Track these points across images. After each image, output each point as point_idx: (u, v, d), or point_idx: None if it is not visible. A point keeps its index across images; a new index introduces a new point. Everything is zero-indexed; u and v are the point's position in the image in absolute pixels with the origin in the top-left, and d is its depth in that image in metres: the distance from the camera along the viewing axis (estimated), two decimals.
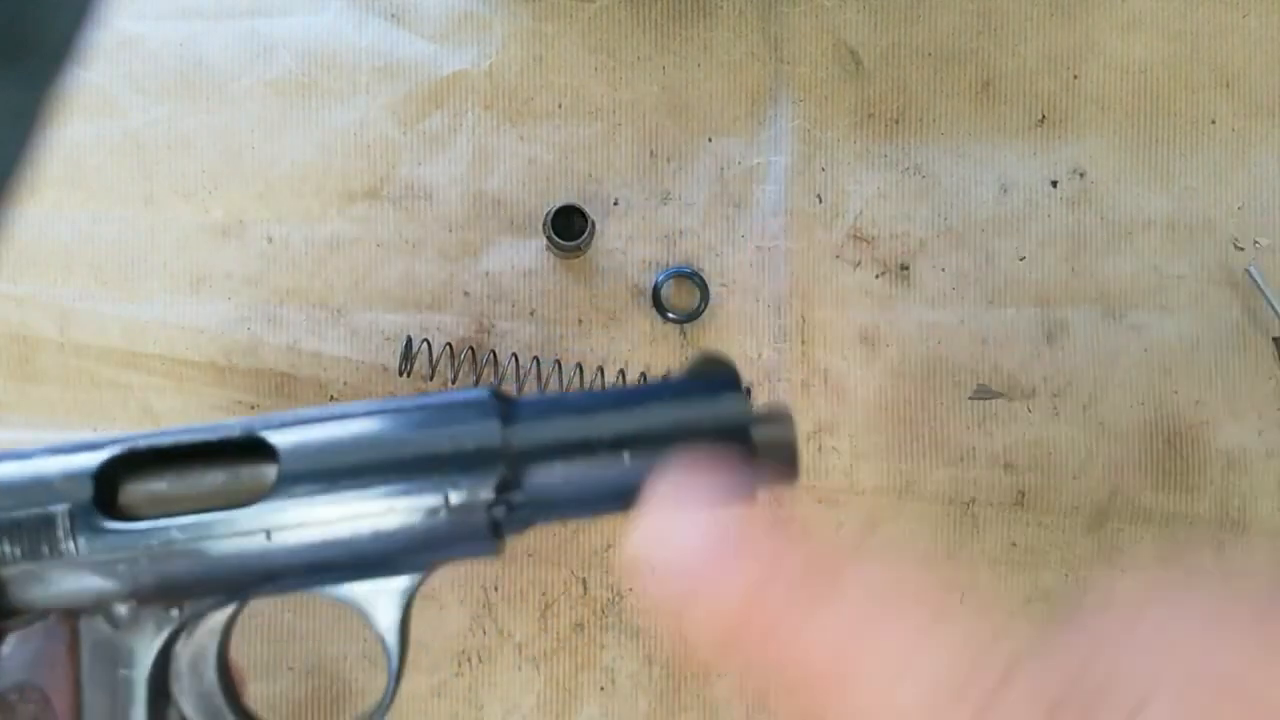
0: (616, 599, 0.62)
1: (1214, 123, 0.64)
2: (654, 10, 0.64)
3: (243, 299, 0.62)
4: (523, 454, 0.39)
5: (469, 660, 0.61)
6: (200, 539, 0.38)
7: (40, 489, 0.38)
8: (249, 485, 0.39)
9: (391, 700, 0.41)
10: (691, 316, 0.63)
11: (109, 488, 0.39)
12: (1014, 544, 0.62)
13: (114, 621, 0.38)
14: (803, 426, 0.62)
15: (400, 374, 0.61)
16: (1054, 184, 0.64)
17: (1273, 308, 0.62)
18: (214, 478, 0.40)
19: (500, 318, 0.63)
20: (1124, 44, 0.64)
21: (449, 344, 0.62)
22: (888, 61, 0.64)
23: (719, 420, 0.40)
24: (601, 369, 0.62)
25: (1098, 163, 0.64)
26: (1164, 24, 0.64)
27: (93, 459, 0.39)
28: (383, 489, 0.38)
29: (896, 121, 0.64)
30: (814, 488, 0.62)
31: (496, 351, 0.62)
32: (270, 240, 0.63)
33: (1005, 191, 0.64)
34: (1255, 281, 0.62)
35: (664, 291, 0.63)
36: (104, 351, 0.62)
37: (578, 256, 0.63)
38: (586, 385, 0.61)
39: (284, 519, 0.38)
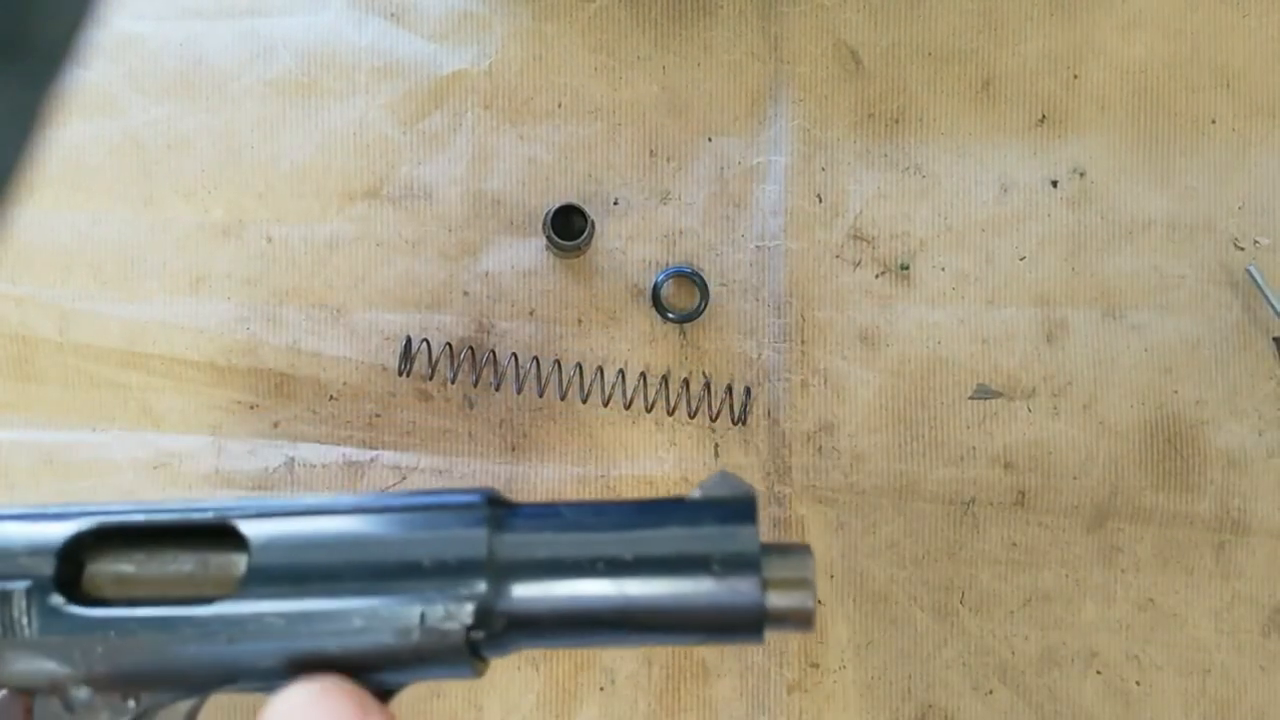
0: None
1: (1214, 122, 0.64)
2: (654, 10, 0.64)
3: (242, 299, 0.62)
4: (509, 569, 0.36)
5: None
6: (160, 634, 0.36)
7: (3, 561, 0.37)
8: (217, 575, 0.38)
9: None
10: (691, 316, 0.62)
11: (74, 564, 0.37)
12: (1014, 544, 0.62)
13: (69, 705, 0.37)
14: (803, 426, 0.63)
15: (400, 374, 0.61)
16: (1054, 184, 0.64)
17: (1273, 307, 0.62)
18: (183, 564, 0.38)
19: (500, 317, 0.63)
20: (1124, 44, 0.64)
21: (449, 344, 0.62)
22: (888, 61, 0.64)
23: (727, 554, 0.36)
24: (601, 369, 0.62)
25: (1098, 162, 0.64)
26: (1164, 24, 0.64)
27: (59, 532, 0.37)
28: (354, 600, 0.36)
29: (896, 121, 0.64)
30: (814, 488, 0.62)
31: (496, 351, 0.62)
32: (270, 240, 0.63)
33: (1005, 191, 0.64)
34: (1255, 281, 0.62)
35: (664, 291, 0.63)
36: (103, 351, 0.62)
37: (577, 256, 0.63)
38: (586, 387, 0.61)
39: (247, 625, 0.36)
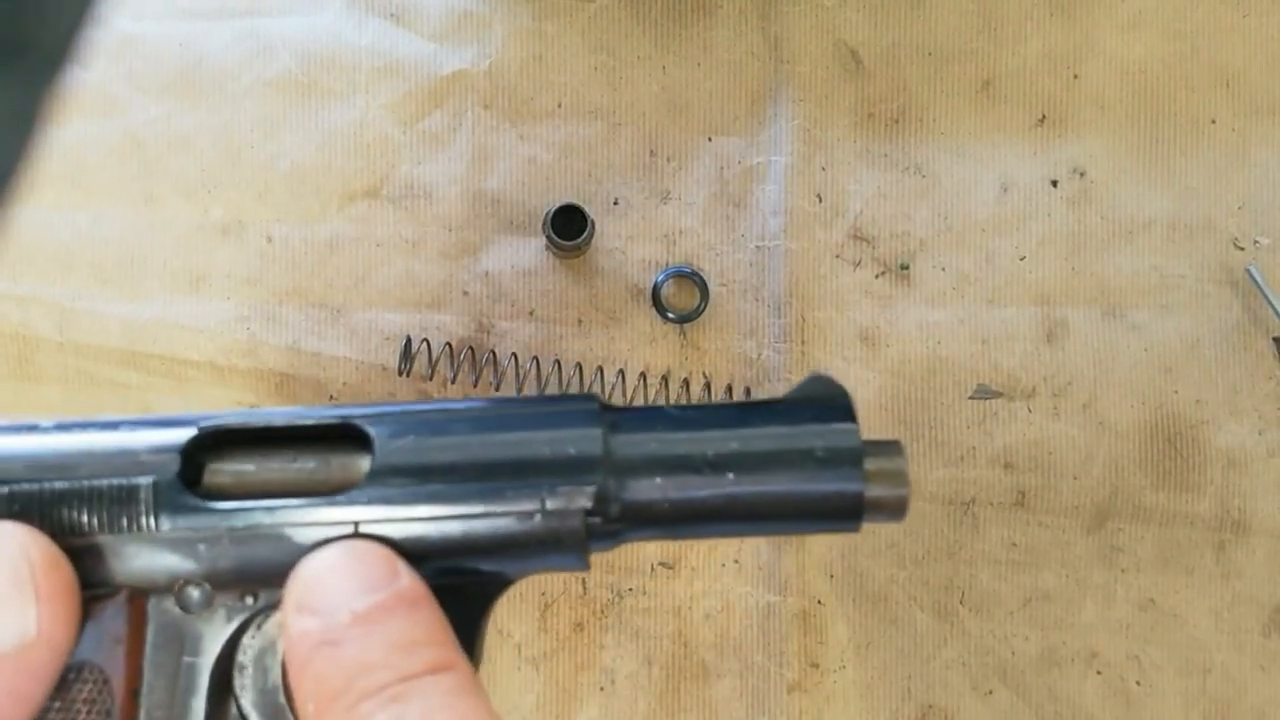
0: (616, 599, 0.62)
1: (1214, 122, 0.64)
2: (654, 9, 0.64)
3: (242, 298, 0.62)
4: (624, 465, 0.38)
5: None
6: (286, 525, 0.36)
7: (125, 460, 0.36)
8: (339, 475, 0.38)
9: None
10: (691, 316, 0.62)
11: (195, 465, 0.38)
12: (1014, 544, 0.62)
13: (185, 605, 0.36)
14: None
15: (400, 374, 0.61)
16: (1054, 183, 0.64)
17: (1273, 307, 0.62)
18: (304, 464, 0.38)
19: (500, 317, 0.63)
20: (1124, 43, 0.64)
21: (448, 344, 0.62)
22: (888, 61, 0.64)
23: (830, 447, 0.38)
24: (601, 369, 0.62)
25: (1098, 162, 0.64)
26: (1164, 24, 0.64)
27: (181, 434, 0.37)
28: (477, 489, 0.37)
29: (896, 121, 0.64)
30: None
31: (496, 351, 0.62)
32: (270, 240, 0.63)
33: (1005, 191, 0.64)
34: (1255, 281, 0.62)
35: (664, 291, 0.63)
36: (103, 351, 0.62)
37: (577, 256, 0.63)
38: (586, 387, 0.61)
39: (373, 512, 0.36)
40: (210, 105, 0.63)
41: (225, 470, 0.38)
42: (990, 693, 0.62)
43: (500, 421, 0.38)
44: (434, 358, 0.61)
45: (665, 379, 0.62)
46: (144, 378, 0.62)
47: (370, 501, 0.36)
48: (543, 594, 0.62)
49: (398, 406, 0.39)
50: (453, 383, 0.62)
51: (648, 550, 0.62)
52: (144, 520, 0.36)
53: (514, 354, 0.62)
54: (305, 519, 0.36)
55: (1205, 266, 0.63)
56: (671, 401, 0.61)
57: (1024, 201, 0.64)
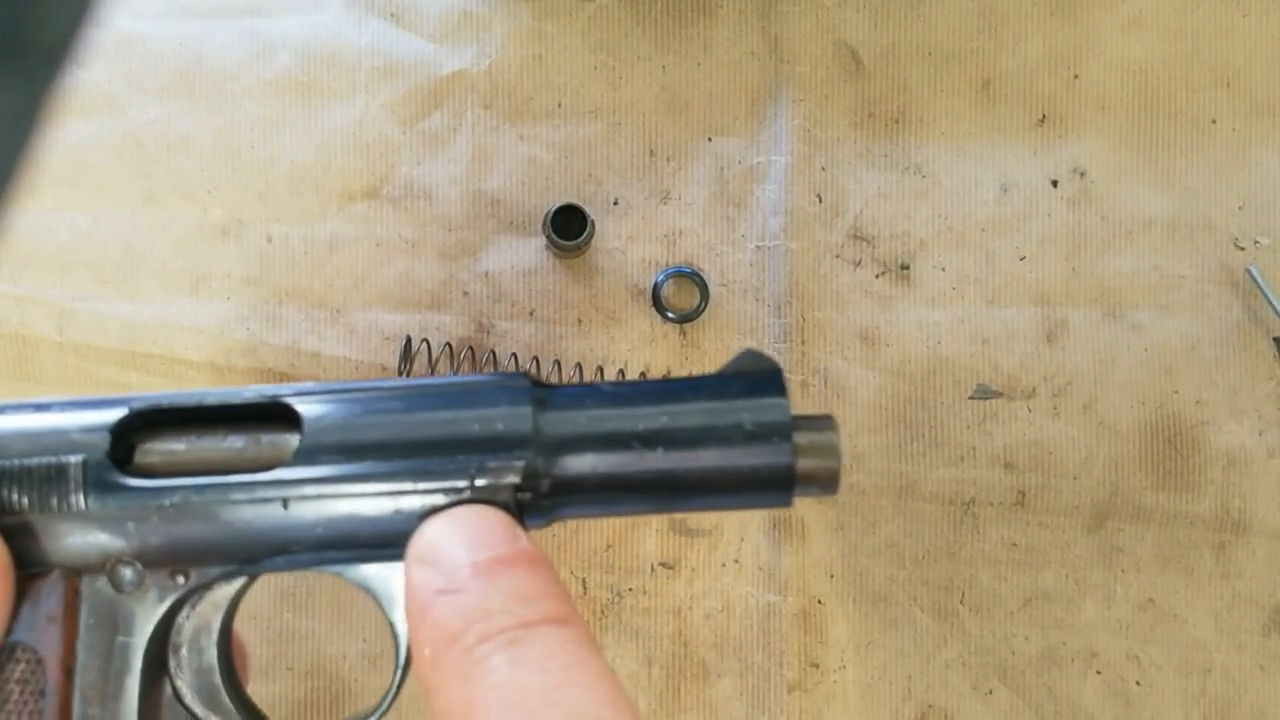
0: (616, 599, 0.62)
1: (1214, 122, 0.64)
2: (654, 9, 0.64)
3: (242, 299, 0.62)
4: (553, 442, 0.38)
5: None
6: (215, 502, 0.37)
7: (56, 438, 0.37)
8: (269, 453, 0.38)
9: (399, 689, 0.40)
10: (691, 316, 0.62)
11: (126, 444, 0.38)
12: (1014, 544, 0.62)
13: (118, 584, 0.37)
14: None
15: (399, 374, 0.61)
16: (1054, 183, 0.64)
17: (1273, 307, 0.62)
18: (234, 442, 0.38)
19: (500, 317, 0.63)
20: (1124, 43, 0.64)
21: (448, 344, 0.62)
22: (888, 61, 0.64)
23: (760, 421, 0.38)
24: (601, 369, 0.62)
25: (1098, 162, 0.64)
26: (1164, 24, 0.64)
27: (112, 414, 0.37)
28: (407, 466, 0.37)
29: (896, 121, 0.64)
30: None
31: (496, 351, 0.62)
32: (269, 240, 0.63)
33: (1005, 191, 0.64)
34: (1255, 281, 0.62)
35: (664, 291, 0.63)
36: (103, 351, 0.62)
37: (577, 256, 0.63)
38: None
39: (303, 489, 0.37)
40: (210, 105, 0.63)
41: (156, 449, 0.38)
42: (990, 693, 0.62)
43: (430, 399, 0.39)
44: (434, 358, 0.61)
45: (665, 378, 0.62)
46: (144, 378, 0.62)
47: (298, 479, 0.37)
48: None
49: (329, 385, 0.39)
50: None
51: (648, 550, 0.62)
52: (74, 499, 0.36)
53: (514, 354, 0.62)
54: (232, 497, 0.37)
55: (1205, 266, 0.63)
56: None
57: (1024, 201, 0.64)
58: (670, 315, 0.62)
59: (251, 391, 0.39)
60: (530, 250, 0.63)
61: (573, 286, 0.63)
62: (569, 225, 0.61)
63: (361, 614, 0.61)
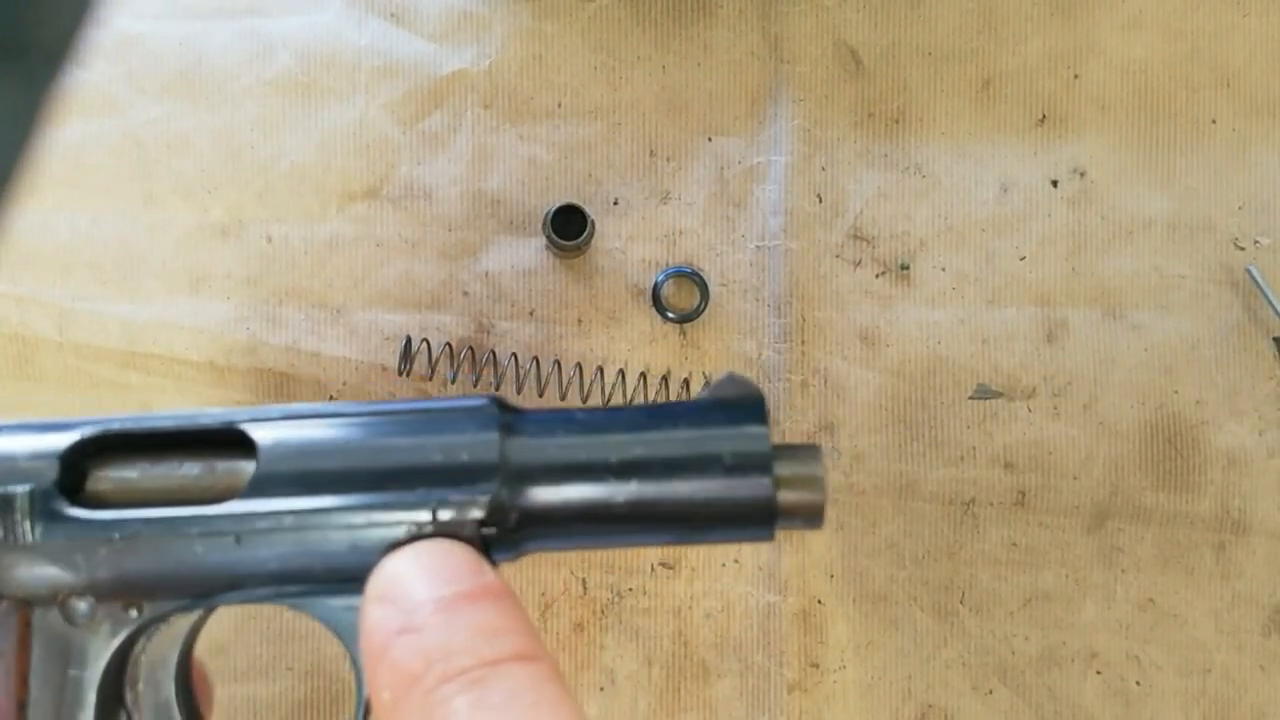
0: (616, 599, 0.62)
1: (1214, 122, 0.64)
2: (654, 9, 0.64)
3: (242, 299, 0.62)
4: (521, 471, 0.36)
5: None
6: (165, 536, 0.35)
7: (3, 466, 0.35)
8: (225, 481, 0.37)
9: None
10: (691, 316, 0.62)
11: (76, 472, 0.36)
12: (1014, 544, 0.62)
13: (70, 617, 0.35)
14: (802, 426, 0.62)
15: (399, 374, 0.61)
16: (1054, 183, 0.64)
17: (1273, 307, 0.62)
18: (189, 469, 0.37)
19: (500, 317, 0.63)
20: (1124, 43, 0.64)
21: (448, 344, 0.62)
22: (888, 61, 0.64)
23: (739, 452, 0.37)
24: (601, 369, 0.62)
25: (1098, 162, 0.64)
26: (1164, 24, 0.64)
27: (61, 440, 0.36)
28: (365, 499, 0.35)
29: (896, 121, 0.64)
30: None
31: (496, 351, 0.62)
32: (269, 240, 0.63)
33: (1005, 191, 0.64)
34: (1255, 281, 0.62)
35: (664, 291, 0.63)
36: (103, 351, 0.62)
37: (577, 256, 0.63)
38: (586, 387, 0.61)
39: (256, 523, 0.35)
40: (210, 105, 0.63)
41: (108, 477, 0.37)
42: (990, 693, 0.62)
43: (392, 426, 0.37)
44: (434, 358, 0.61)
45: (665, 379, 0.62)
46: (144, 378, 0.62)
47: (251, 513, 0.35)
48: (543, 594, 0.62)
49: (289, 409, 0.38)
50: (452, 382, 0.62)
51: (648, 550, 0.62)
52: (20, 530, 0.35)
53: (514, 354, 0.62)
54: (186, 530, 0.35)
55: (1205, 266, 0.63)
56: (671, 399, 0.61)
57: (1024, 201, 0.64)
58: (670, 315, 0.62)
59: (208, 416, 0.37)
60: (530, 250, 0.63)
61: (573, 286, 0.63)
62: (569, 225, 0.61)
63: None
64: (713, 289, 0.63)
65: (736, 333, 0.63)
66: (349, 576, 0.36)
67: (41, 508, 0.35)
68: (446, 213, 0.63)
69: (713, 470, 0.37)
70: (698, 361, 0.63)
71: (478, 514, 0.36)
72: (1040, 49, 0.64)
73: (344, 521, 0.35)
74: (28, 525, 0.35)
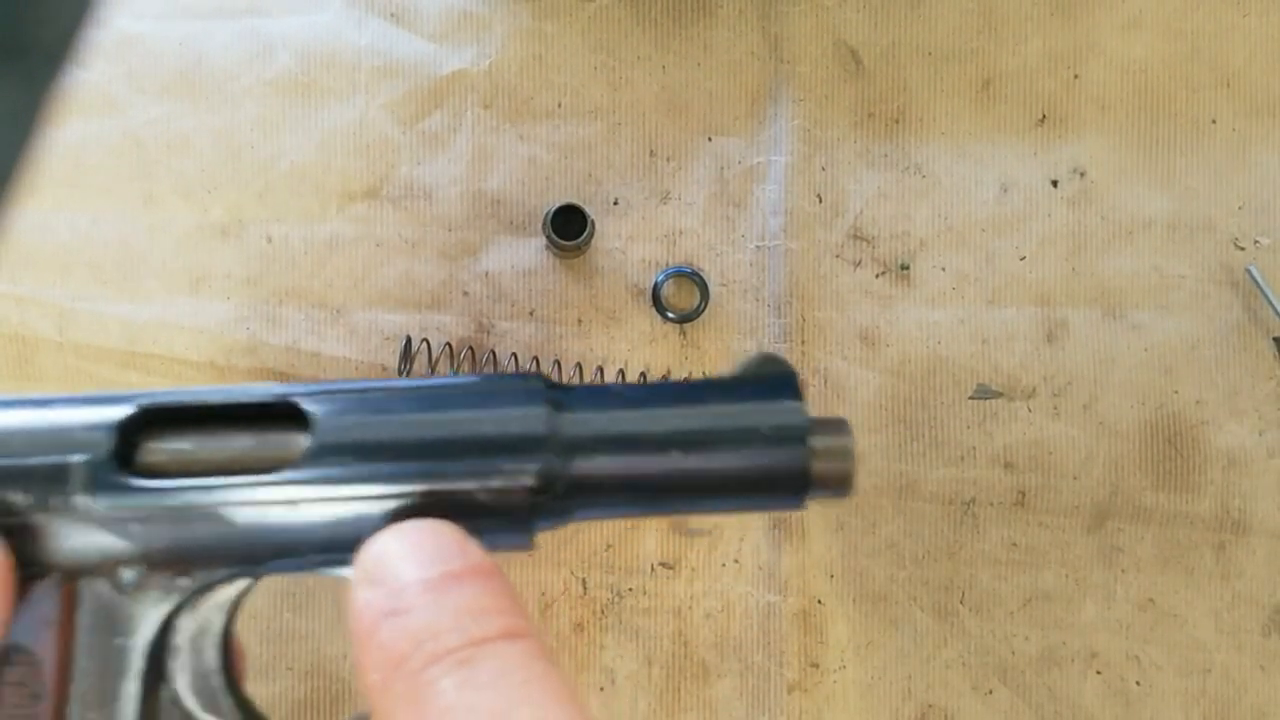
0: (616, 599, 0.62)
1: (1214, 122, 0.64)
2: (654, 9, 0.64)
3: (242, 299, 0.62)
4: (569, 443, 0.37)
5: None
6: (222, 503, 0.36)
7: (58, 437, 0.36)
8: (277, 453, 0.37)
9: None
10: (691, 316, 0.62)
11: (130, 443, 0.37)
12: (1014, 544, 0.62)
13: (118, 586, 0.36)
14: None
15: (399, 374, 0.61)
16: (1054, 183, 0.64)
17: (1273, 307, 0.62)
18: (241, 441, 0.37)
19: (500, 317, 0.63)
20: (1124, 43, 0.64)
21: (448, 344, 0.62)
22: (888, 61, 0.64)
23: (776, 425, 0.38)
24: (601, 369, 0.62)
25: (1098, 162, 0.64)
26: (1164, 23, 0.64)
27: (116, 412, 0.36)
28: (418, 468, 0.36)
29: (896, 121, 0.64)
30: None
31: (496, 351, 0.62)
32: (269, 240, 0.63)
33: (1005, 191, 0.64)
34: (1255, 281, 0.62)
35: (664, 291, 0.63)
36: (103, 351, 0.62)
37: (577, 256, 0.63)
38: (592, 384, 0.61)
39: (311, 490, 0.36)
40: (210, 105, 0.63)
41: (162, 449, 0.37)
42: (990, 693, 0.62)
43: (443, 399, 0.38)
44: (434, 358, 0.61)
45: (665, 379, 0.62)
46: (144, 378, 0.62)
47: (308, 480, 0.36)
48: (543, 594, 0.62)
49: (339, 384, 0.38)
50: None
51: (648, 550, 0.62)
52: (76, 499, 0.35)
53: (514, 354, 0.62)
54: (241, 498, 0.36)
55: (1205, 266, 0.63)
56: None
57: (1024, 201, 0.64)
58: (670, 315, 0.62)
59: (260, 390, 0.38)
60: (530, 250, 0.63)
61: (573, 286, 0.63)
62: (569, 225, 0.61)
63: None
64: (713, 289, 0.63)
65: (736, 333, 0.63)
66: None
67: (98, 477, 0.35)
68: (446, 213, 0.63)
69: (751, 441, 0.38)
70: (698, 361, 0.63)
71: (528, 482, 0.37)
72: (1040, 49, 0.64)
73: (397, 489, 0.36)
74: (83, 494, 0.35)
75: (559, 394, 0.39)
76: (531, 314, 0.63)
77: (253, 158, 0.63)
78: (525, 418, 0.37)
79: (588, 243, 0.62)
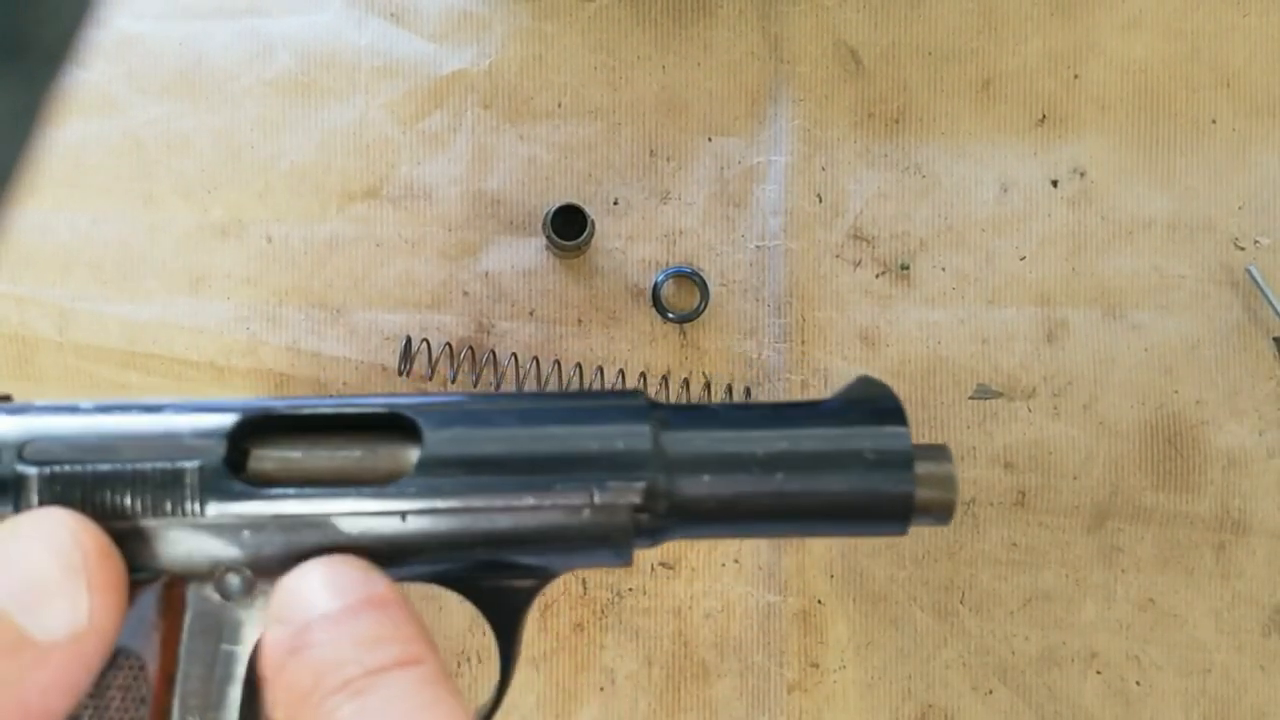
0: (616, 600, 0.62)
1: (1214, 122, 0.64)
2: (654, 9, 0.64)
3: (242, 299, 0.62)
4: (673, 462, 0.38)
5: (469, 660, 0.61)
6: (332, 513, 0.36)
7: (169, 443, 0.36)
8: (386, 464, 0.37)
9: (498, 705, 0.40)
10: (691, 316, 0.62)
11: (241, 450, 0.37)
12: (1014, 544, 0.62)
13: (225, 592, 0.36)
14: None
15: (400, 374, 0.61)
16: (1054, 183, 0.64)
17: (1273, 307, 0.62)
18: (350, 452, 0.38)
19: (500, 317, 0.63)
20: (1124, 43, 0.64)
21: (448, 344, 0.62)
22: (888, 61, 0.64)
23: (881, 450, 0.38)
24: (601, 369, 0.62)
25: (1098, 162, 0.64)
26: (1164, 23, 0.64)
27: (226, 420, 0.37)
28: (526, 481, 0.37)
29: (896, 121, 0.64)
30: None
31: (496, 351, 0.62)
32: (269, 240, 0.63)
33: (1005, 191, 0.64)
34: (1255, 281, 0.62)
35: (664, 291, 0.63)
36: (103, 351, 0.62)
37: (577, 256, 0.63)
38: (586, 386, 0.61)
39: (421, 503, 0.36)
40: (210, 105, 0.63)
41: (270, 456, 0.38)
42: (990, 693, 0.62)
43: (548, 415, 0.38)
44: (434, 358, 0.61)
45: (665, 379, 0.62)
46: (144, 378, 0.62)
47: (419, 492, 0.36)
48: (543, 594, 0.62)
49: (444, 398, 0.39)
50: (453, 382, 0.62)
51: (648, 550, 0.62)
52: (188, 505, 0.35)
53: (514, 354, 0.62)
54: (352, 508, 0.36)
55: (1205, 266, 0.63)
56: (671, 400, 0.61)
57: (1024, 201, 0.64)
58: (670, 315, 0.62)
59: (368, 400, 0.38)
60: (530, 250, 0.63)
61: (573, 286, 0.63)
62: (569, 225, 0.61)
63: None
64: (713, 289, 0.63)
65: (736, 333, 0.63)
66: (506, 558, 0.37)
67: (210, 483, 0.36)
68: (446, 213, 0.63)
69: (855, 466, 0.38)
70: (698, 361, 0.63)
71: (633, 499, 0.37)
72: (1040, 49, 0.64)
73: (506, 503, 0.37)
74: (196, 500, 0.35)
75: (663, 412, 0.39)
76: (531, 314, 0.63)
77: (253, 158, 0.63)
78: (631, 435, 0.38)
79: (588, 243, 0.62)
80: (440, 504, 0.36)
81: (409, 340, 0.62)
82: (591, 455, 0.37)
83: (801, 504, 0.38)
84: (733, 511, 0.38)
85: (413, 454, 0.37)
